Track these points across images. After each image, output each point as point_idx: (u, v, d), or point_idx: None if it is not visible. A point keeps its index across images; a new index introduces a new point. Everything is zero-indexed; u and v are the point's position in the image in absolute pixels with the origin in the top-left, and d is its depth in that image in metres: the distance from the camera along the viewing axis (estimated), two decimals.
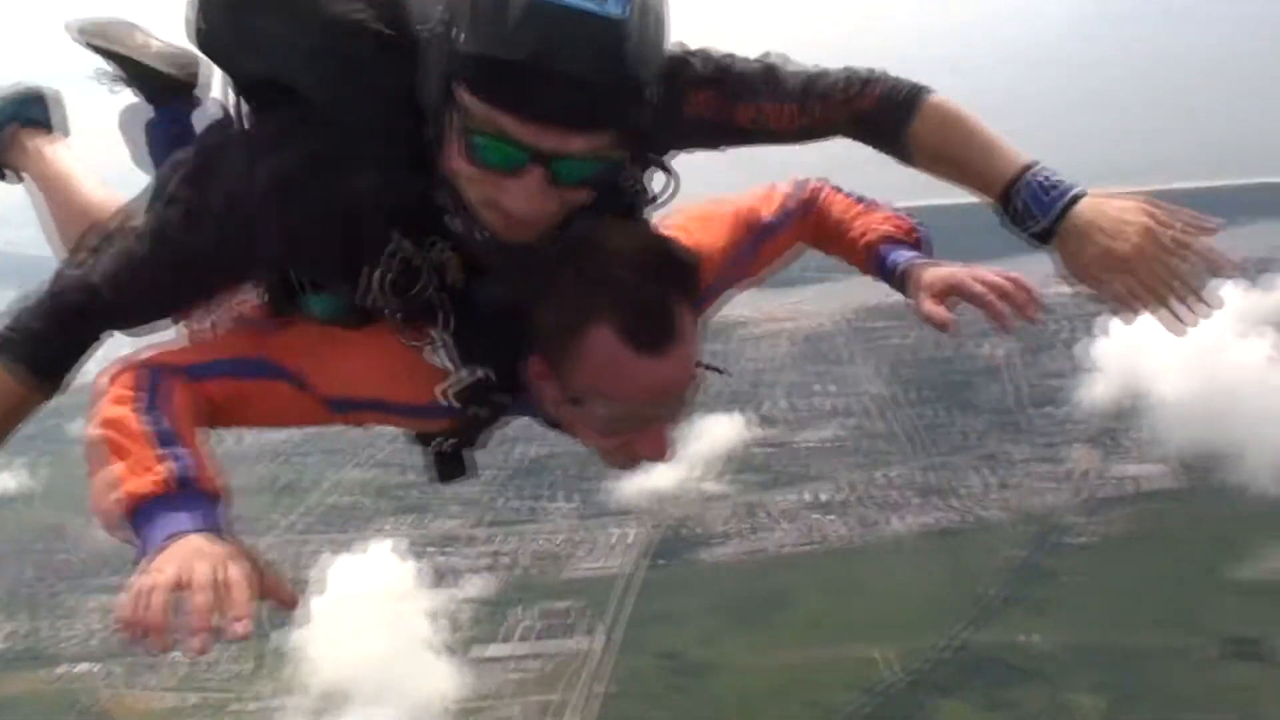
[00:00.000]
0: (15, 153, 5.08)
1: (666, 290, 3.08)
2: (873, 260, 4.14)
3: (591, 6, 2.69)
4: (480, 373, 3.28)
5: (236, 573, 2.55)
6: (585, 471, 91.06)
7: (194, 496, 2.80)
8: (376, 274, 3.13)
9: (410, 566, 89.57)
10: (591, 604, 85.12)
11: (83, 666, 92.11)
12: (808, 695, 72.90)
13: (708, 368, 3.56)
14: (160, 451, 2.85)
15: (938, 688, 73.23)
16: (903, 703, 72.37)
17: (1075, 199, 3.54)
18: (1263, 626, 72.07)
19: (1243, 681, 69.01)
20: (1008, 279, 3.75)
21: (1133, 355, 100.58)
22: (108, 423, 2.94)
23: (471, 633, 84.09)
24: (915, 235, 4.26)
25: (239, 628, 2.49)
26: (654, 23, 2.88)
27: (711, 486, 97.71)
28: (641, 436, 3.33)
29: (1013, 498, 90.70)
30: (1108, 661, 71.55)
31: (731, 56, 3.48)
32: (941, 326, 3.74)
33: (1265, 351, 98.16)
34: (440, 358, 3.27)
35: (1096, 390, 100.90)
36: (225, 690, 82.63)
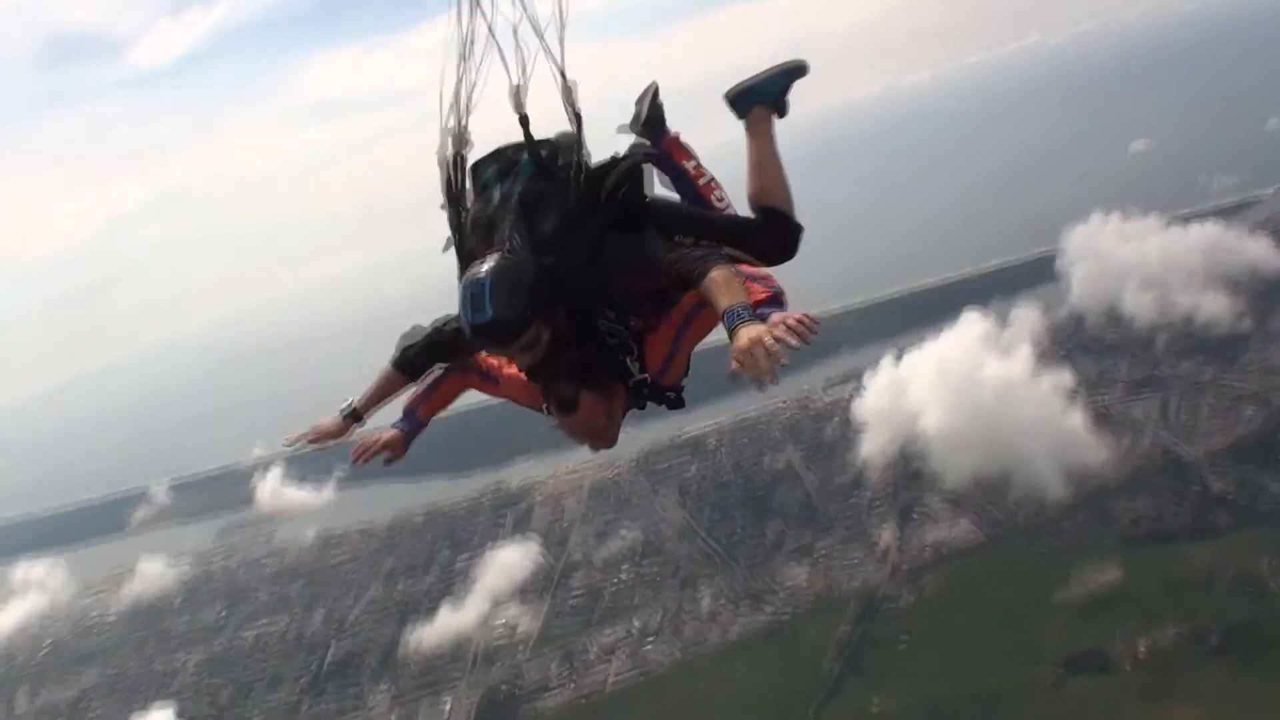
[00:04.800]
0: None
1: (577, 391, 6.72)
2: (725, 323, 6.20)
3: (476, 319, 6.37)
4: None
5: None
6: (390, 656, 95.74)
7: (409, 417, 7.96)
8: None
9: None
10: None
11: None
12: None
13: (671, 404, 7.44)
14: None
15: None
16: None
17: (737, 326, 5.93)
18: (1100, 638, 73.35)
19: (1094, 694, 69.70)
20: (791, 322, 6.09)
21: (895, 401, 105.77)
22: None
23: None
24: (768, 296, 6.94)
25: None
26: (511, 302, 6.37)
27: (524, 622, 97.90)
28: (586, 441, 7.17)
29: (830, 582, 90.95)
30: (954, 710, 71.47)
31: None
32: (730, 378, 6.04)
33: (1022, 366, 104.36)
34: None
35: (873, 444, 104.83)
36: None
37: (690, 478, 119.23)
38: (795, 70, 7.57)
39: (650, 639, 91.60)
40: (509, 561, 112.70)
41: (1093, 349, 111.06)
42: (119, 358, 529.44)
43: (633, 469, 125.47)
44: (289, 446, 8.16)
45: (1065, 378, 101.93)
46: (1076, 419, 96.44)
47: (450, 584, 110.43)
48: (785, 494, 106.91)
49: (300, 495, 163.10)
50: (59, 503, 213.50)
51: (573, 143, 6.90)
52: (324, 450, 8.08)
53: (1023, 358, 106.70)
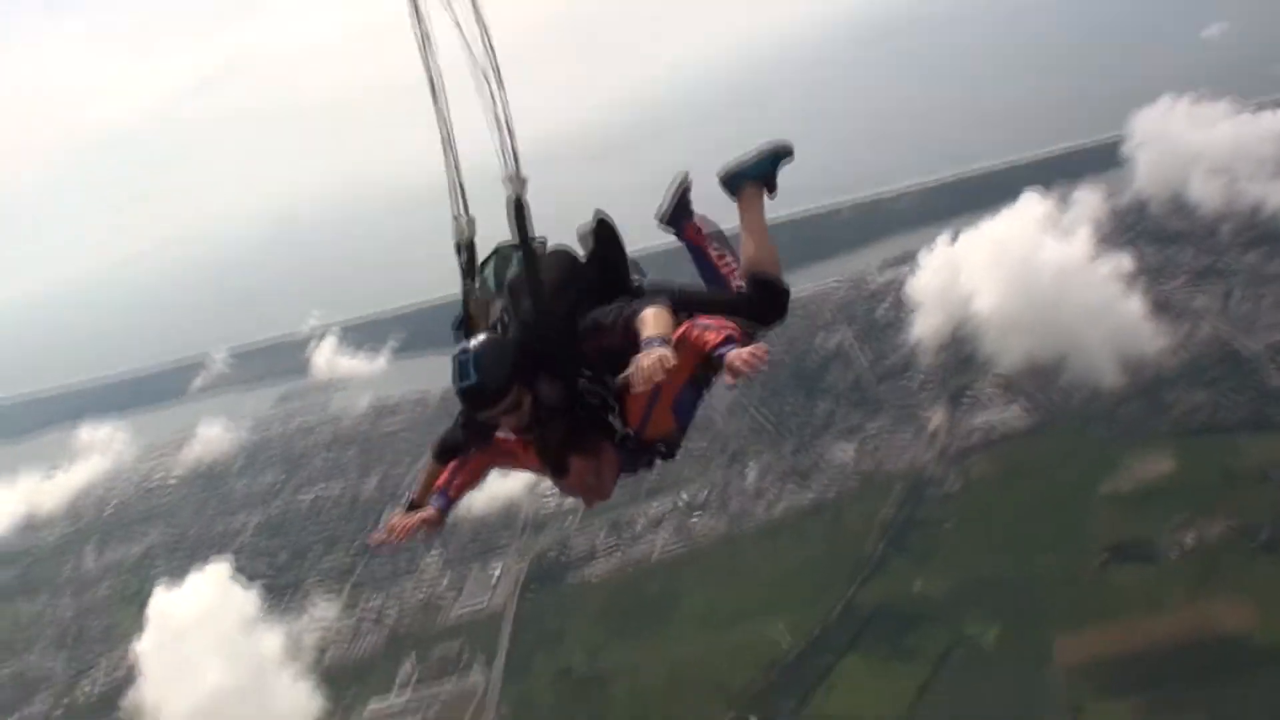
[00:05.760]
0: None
1: (565, 453, 7.68)
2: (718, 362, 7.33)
3: (463, 384, 7.50)
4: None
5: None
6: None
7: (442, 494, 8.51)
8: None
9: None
10: (473, 643, 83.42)
11: None
12: (708, 683, 71.27)
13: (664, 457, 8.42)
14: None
15: (837, 648, 72.24)
16: (803, 670, 71.30)
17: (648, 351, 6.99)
18: (1147, 528, 72.88)
19: (1137, 583, 69.39)
20: (747, 355, 7.09)
21: (949, 283, 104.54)
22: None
23: (357, 690, 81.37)
24: (722, 339, 7.43)
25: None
26: (493, 370, 7.50)
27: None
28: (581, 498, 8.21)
29: (878, 463, 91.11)
30: (996, 592, 71.68)
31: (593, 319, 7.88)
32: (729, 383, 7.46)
33: (1082, 249, 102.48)
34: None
35: (926, 326, 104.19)
36: None
37: None
38: (782, 152, 8.86)
39: (697, 512, 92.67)
40: None
41: (1155, 236, 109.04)
42: (180, 229, 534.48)
43: None
44: (377, 547, 9.41)
45: (1125, 264, 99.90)
46: (1135, 306, 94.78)
47: None
48: (836, 373, 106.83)
49: (355, 364, 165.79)
50: (122, 369, 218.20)
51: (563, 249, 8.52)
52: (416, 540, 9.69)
53: (1082, 242, 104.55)
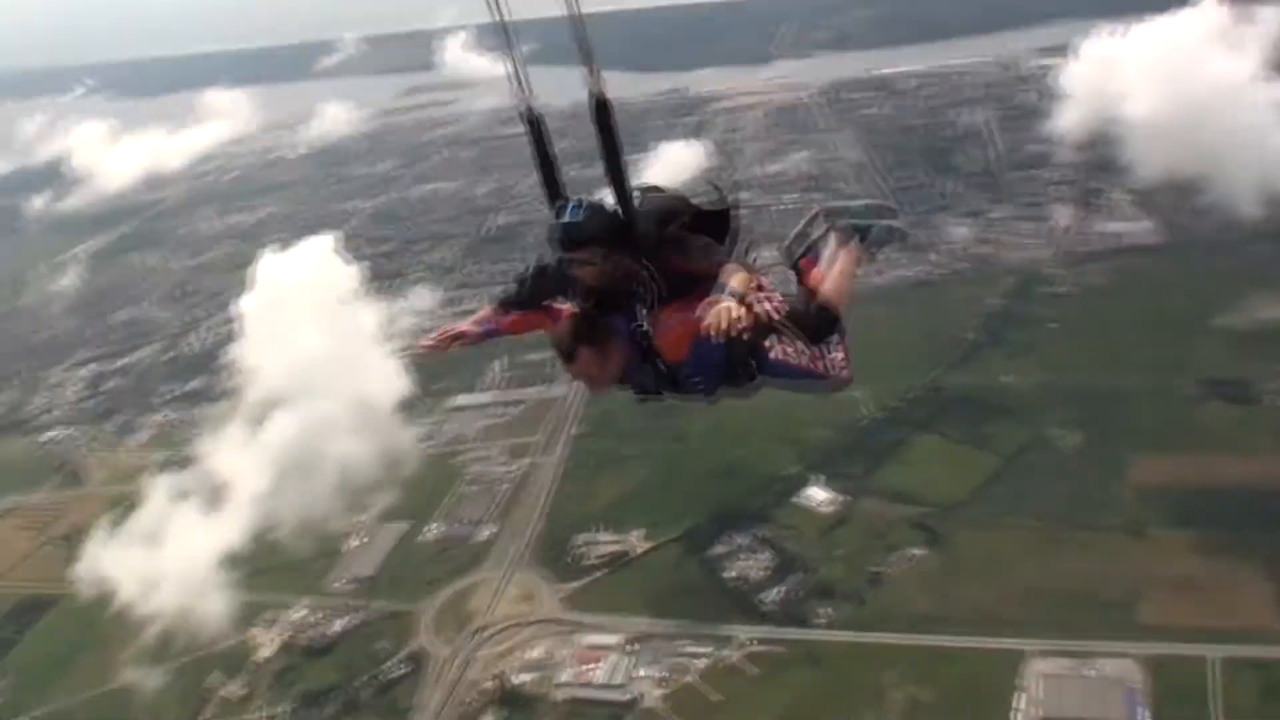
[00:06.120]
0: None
1: (578, 343, 8.16)
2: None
3: (570, 218, 8.33)
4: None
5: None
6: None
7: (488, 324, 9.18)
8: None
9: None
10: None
11: (63, 432, 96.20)
12: (786, 434, 71.99)
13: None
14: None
15: (914, 423, 72.69)
16: (879, 437, 72.05)
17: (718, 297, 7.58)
18: (1251, 369, 70.99)
19: (1227, 420, 67.96)
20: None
21: (1104, 78, 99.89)
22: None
23: (446, 383, 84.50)
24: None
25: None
26: (591, 221, 8.30)
27: None
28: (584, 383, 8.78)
29: (994, 251, 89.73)
30: (1086, 401, 70.97)
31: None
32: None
33: (1248, 69, 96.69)
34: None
35: (1070, 120, 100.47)
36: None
37: (876, 116, 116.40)
38: (897, 237, 9.82)
39: None
40: (678, 159, 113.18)
41: None
42: None
43: (819, 98, 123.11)
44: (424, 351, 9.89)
45: None
46: None
47: None
48: (969, 153, 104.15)
49: (484, 64, 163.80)
50: (255, 43, 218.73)
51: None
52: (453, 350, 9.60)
53: (1253, 61, 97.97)
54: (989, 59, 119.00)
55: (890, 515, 65.18)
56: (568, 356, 8.37)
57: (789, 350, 8.76)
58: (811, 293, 9.04)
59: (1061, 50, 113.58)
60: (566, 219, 8.45)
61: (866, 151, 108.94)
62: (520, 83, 8.72)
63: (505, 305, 9.23)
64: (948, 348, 78.64)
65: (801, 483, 68.89)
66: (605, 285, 8.30)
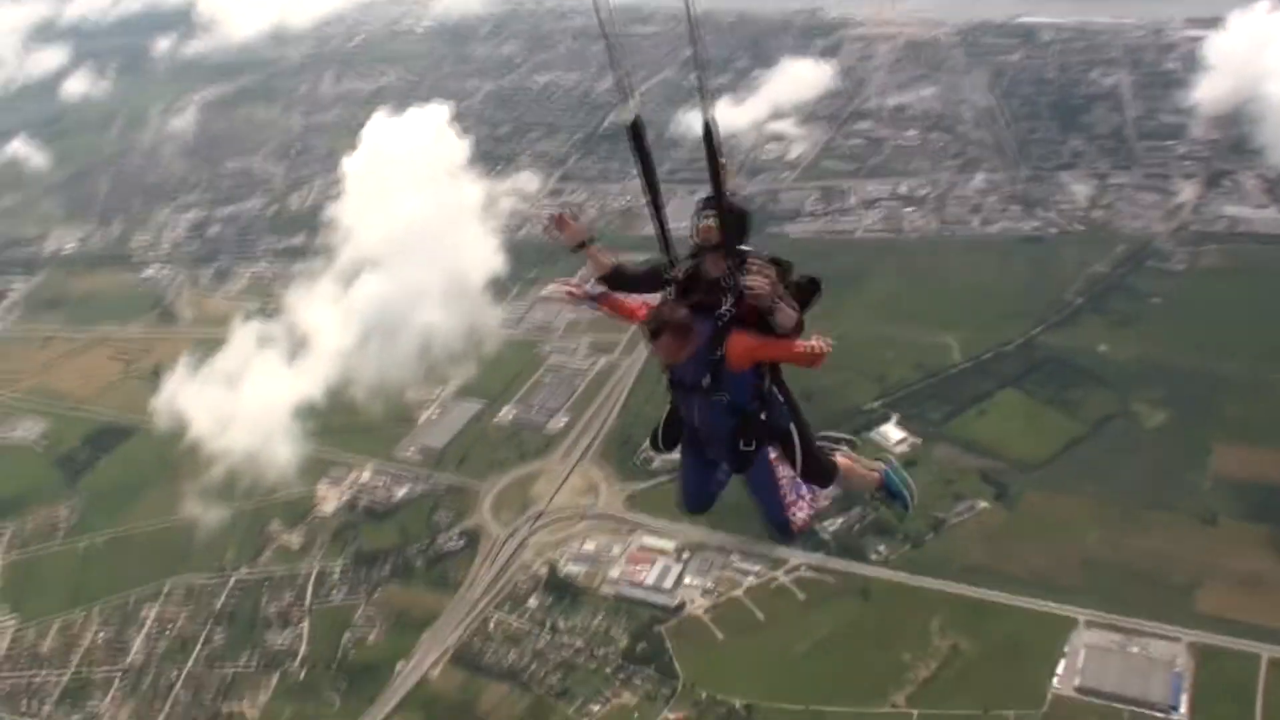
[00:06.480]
0: None
1: (660, 328, 9.50)
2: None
3: (743, 210, 9.77)
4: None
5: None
6: (660, 138, 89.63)
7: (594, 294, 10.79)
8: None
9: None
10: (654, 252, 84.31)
11: (163, 271, 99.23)
12: (870, 368, 71.60)
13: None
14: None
15: (1000, 378, 71.53)
16: (963, 386, 71.22)
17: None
18: None
19: None
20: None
21: (1251, 55, 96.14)
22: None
23: (538, 271, 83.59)
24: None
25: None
26: (748, 220, 9.80)
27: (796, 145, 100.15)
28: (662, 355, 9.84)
29: (1110, 217, 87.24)
30: (1179, 381, 69.05)
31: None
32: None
33: None
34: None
35: (1210, 93, 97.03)
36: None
37: (1010, 64, 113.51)
38: (903, 507, 12.44)
39: (912, 206, 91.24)
40: (803, 77, 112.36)
41: None
42: None
43: (955, 37, 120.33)
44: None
45: None
46: None
47: (737, 90, 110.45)
48: (1100, 114, 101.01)
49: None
50: None
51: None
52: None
53: None
54: (1137, 21, 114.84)
55: (962, 464, 64.83)
56: (654, 335, 9.70)
57: (782, 469, 10.84)
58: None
59: (1213, 22, 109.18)
60: (743, 209, 9.90)
61: (996, 97, 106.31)
62: (627, 94, 9.20)
63: (610, 281, 10.73)
64: (1047, 307, 76.82)
65: (879, 419, 68.52)
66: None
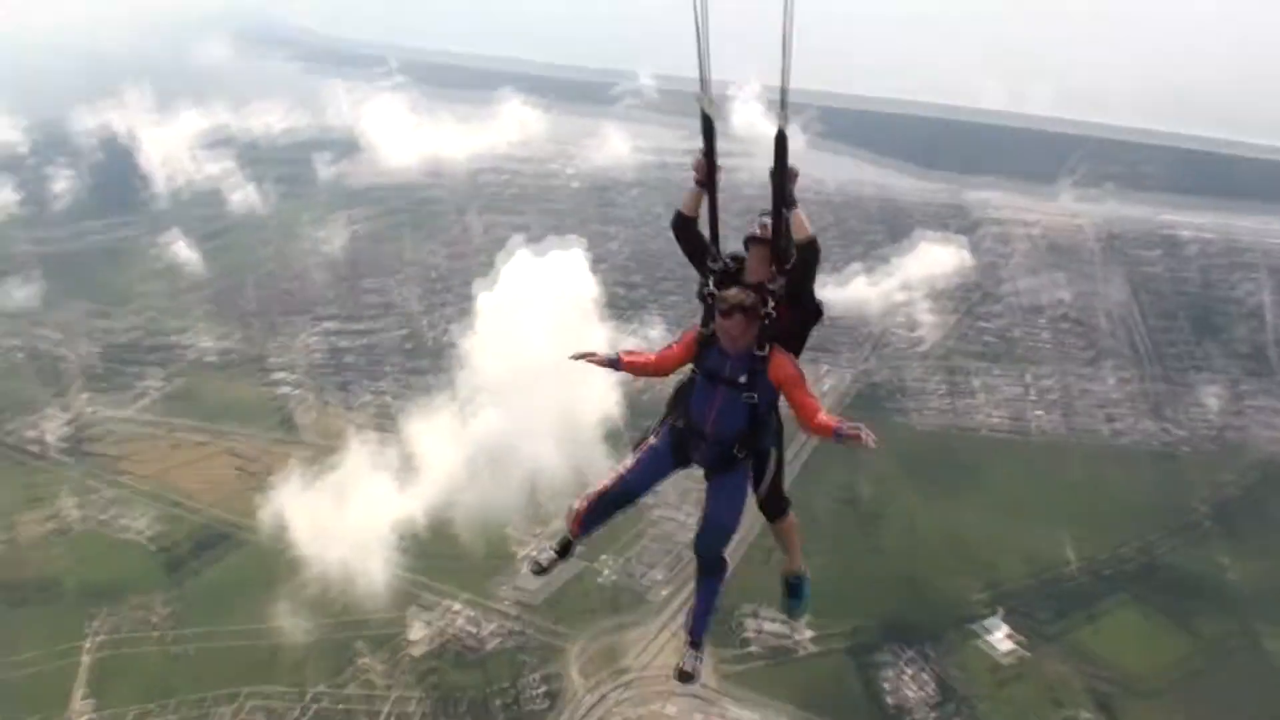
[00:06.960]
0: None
1: (732, 309, 10.67)
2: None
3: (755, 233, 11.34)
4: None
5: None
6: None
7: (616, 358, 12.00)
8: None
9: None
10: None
11: (290, 379, 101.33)
12: (979, 562, 69.84)
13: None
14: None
15: (1115, 587, 69.15)
16: (1075, 592, 68.84)
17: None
18: None
19: None
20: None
21: None
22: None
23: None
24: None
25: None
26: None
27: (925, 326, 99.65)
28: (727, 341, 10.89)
29: (1240, 432, 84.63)
30: None
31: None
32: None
33: None
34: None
35: None
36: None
37: (1148, 262, 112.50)
38: (797, 608, 13.14)
39: (1040, 408, 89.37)
40: (937, 258, 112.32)
41: None
42: None
43: (1097, 234, 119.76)
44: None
45: None
46: None
47: (869, 264, 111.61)
48: (1241, 328, 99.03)
49: (770, 130, 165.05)
50: (550, 56, 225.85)
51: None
52: None
53: None
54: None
55: (1067, 673, 62.48)
56: (728, 314, 10.62)
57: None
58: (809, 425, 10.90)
59: None
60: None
61: (1132, 297, 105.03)
62: (704, 85, 10.53)
63: (686, 221, 11.56)
64: (1172, 516, 74.73)
65: (983, 612, 66.85)
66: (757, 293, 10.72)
